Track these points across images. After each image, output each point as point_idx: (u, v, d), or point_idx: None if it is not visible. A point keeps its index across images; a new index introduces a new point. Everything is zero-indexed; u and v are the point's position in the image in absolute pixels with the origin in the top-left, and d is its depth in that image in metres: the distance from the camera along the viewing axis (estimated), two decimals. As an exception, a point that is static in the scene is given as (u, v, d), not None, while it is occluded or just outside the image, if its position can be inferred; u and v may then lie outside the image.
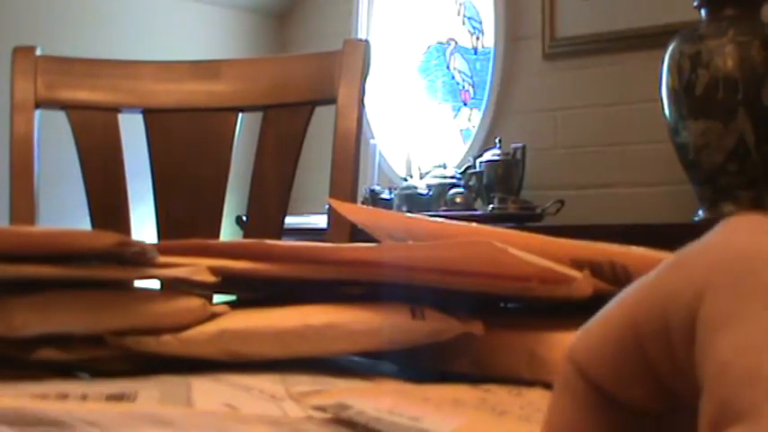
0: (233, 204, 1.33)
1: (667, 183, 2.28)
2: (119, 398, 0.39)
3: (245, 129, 1.26)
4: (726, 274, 0.17)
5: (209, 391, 0.43)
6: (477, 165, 2.42)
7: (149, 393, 0.41)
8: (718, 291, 0.17)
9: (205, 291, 0.58)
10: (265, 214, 1.23)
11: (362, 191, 2.44)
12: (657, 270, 0.19)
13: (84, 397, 0.39)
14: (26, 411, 0.34)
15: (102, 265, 0.50)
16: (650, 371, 0.19)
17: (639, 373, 0.19)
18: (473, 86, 2.83)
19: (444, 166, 2.62)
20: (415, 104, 2.96)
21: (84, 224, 1.19)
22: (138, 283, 0.55)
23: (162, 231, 1.23)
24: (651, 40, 2.28)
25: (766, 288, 0.16)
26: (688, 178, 1.99)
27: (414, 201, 2.47)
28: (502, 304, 0.60)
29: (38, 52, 1.25)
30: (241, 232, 1.50)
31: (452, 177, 2.52)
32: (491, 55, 2.71)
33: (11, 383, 0.42)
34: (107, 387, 0.41)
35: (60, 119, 1.24)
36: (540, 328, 0.47)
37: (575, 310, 0.39)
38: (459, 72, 2.88)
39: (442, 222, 0.57)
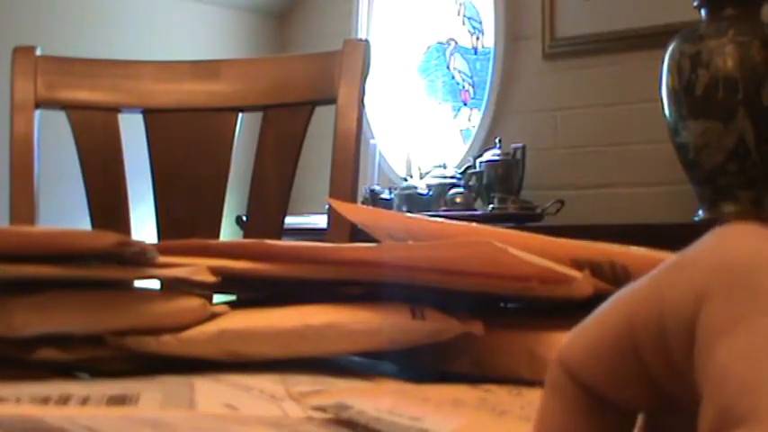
0: (233, 204, 1.33)
1: (667, 183, 2.28)
2: (121, 401, 0.39)
3: (245, 129, 1.26)
4: (726, 280, 0.17)
5: (209, 392, 0.43)
6: (477, 165, 2.42)
7: (152, 395, 0.41)
8: (719, 296, 0.17)
9: (205, 291, 0.58)
10: (265, 214, 1.23)
11: (362, 191, 2.44)
12: (655, 272, 0.19)
13: (85, 400, 0.39)
14: (26, 418, 0.34)
15: (102, 265, 0.49)
16: (645, 373, 0.19)
17: (634, 374, 0.19)
18: (473, 86, 2.83)
19: (444, 166, 2.62)
20: (415, 104, 2.96)
21: (84, 224, 1.19)
22: (138, 283, 0.55)
23: (162, 231, 1.23)
24: (651, 40, 2.28)
25: (766, 294, 0.16)
26: (688, 178, 1.99)
27: (414, 201, 2.47)
28: (502, 304, 0.60)
29: (38, 52, 1.25)
30: (241, 232, 1.50)
31: (452, 177, 2.52)
32: (491, 55, 2.71)
33: (11, 383, 0.42)
34: (109, 388, 0.41)
35: (60, 119, 1.24)
36: (540, 328, 0.47)
37: (575, 310, 0.39)
38: (459, 72, 2.88)
39: (442, 222, 0.57)
